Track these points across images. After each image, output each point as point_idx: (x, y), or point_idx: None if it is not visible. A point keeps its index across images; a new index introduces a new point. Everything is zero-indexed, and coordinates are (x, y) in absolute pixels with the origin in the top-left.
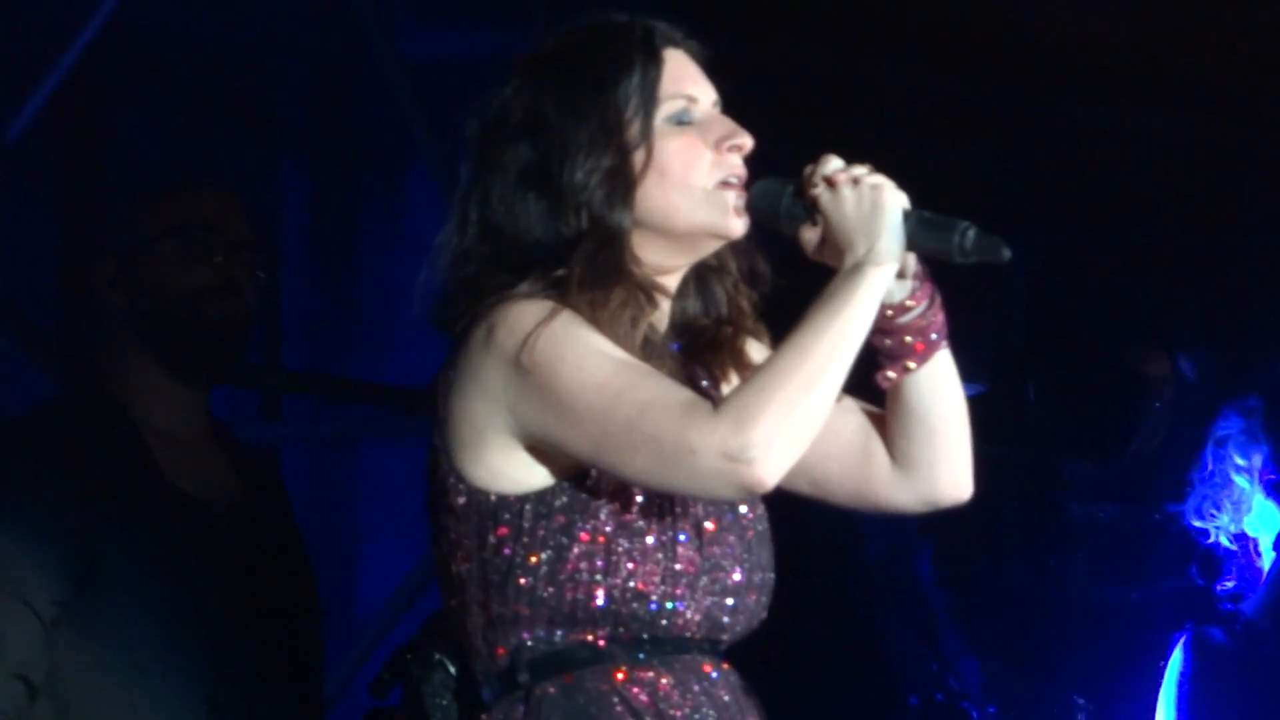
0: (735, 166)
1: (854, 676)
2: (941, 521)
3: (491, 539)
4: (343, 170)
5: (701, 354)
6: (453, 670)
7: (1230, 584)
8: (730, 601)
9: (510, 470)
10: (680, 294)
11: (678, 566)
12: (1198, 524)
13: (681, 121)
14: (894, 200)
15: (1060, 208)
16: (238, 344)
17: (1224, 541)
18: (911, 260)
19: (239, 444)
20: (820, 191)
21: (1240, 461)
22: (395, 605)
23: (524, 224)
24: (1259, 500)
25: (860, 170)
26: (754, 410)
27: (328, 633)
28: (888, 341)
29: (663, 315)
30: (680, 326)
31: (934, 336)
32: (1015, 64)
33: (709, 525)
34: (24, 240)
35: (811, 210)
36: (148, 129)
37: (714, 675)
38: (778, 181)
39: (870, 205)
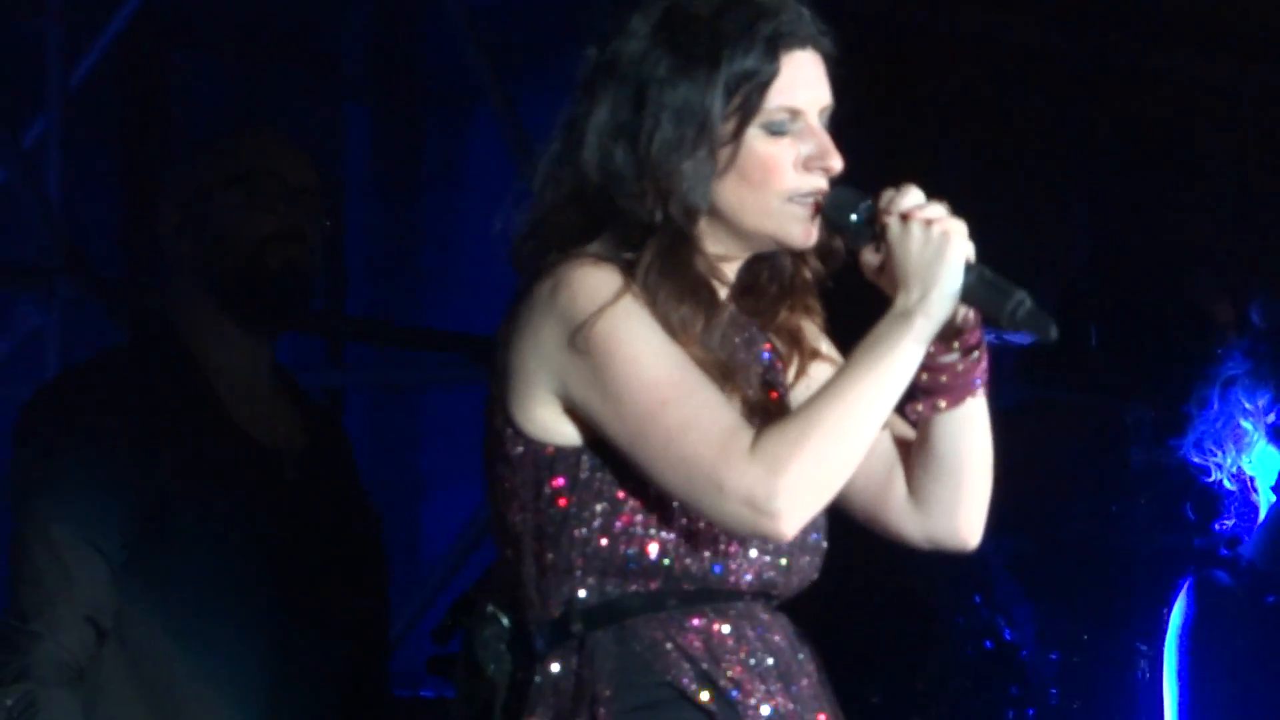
0: (816, 185)
1: (903, 624)
2: (999, 466)
3: (547, 490)
4: (405, 114)
5: (757, 315)
6: (505, 622)
7: (1230, 523)
8: (783, 561)
9: (560, 426)
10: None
11: None
12: (1196, 460)
13: (776, 131)
14: (958, 252)
15: (1126, 153)
16: (302, 292)
17: (1224, 481)
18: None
19: (302, 391)
20: (892, 222)
21: (1247, 405)
22: (458, 551)
23: (607, 175)
24: (1261, 444)
25: (936, 211)
26: (785, 461)
27: (391, 579)
28: (924, 375)
29: (726, 284)
30: (742, 285)
31: (973, 382)
32: (1084, 9)
33: None
34: (89, 186)
35: (879, 237)
36: (210, 74)
37: (768, 621)
38: (855, 194)
39: (935, 251)
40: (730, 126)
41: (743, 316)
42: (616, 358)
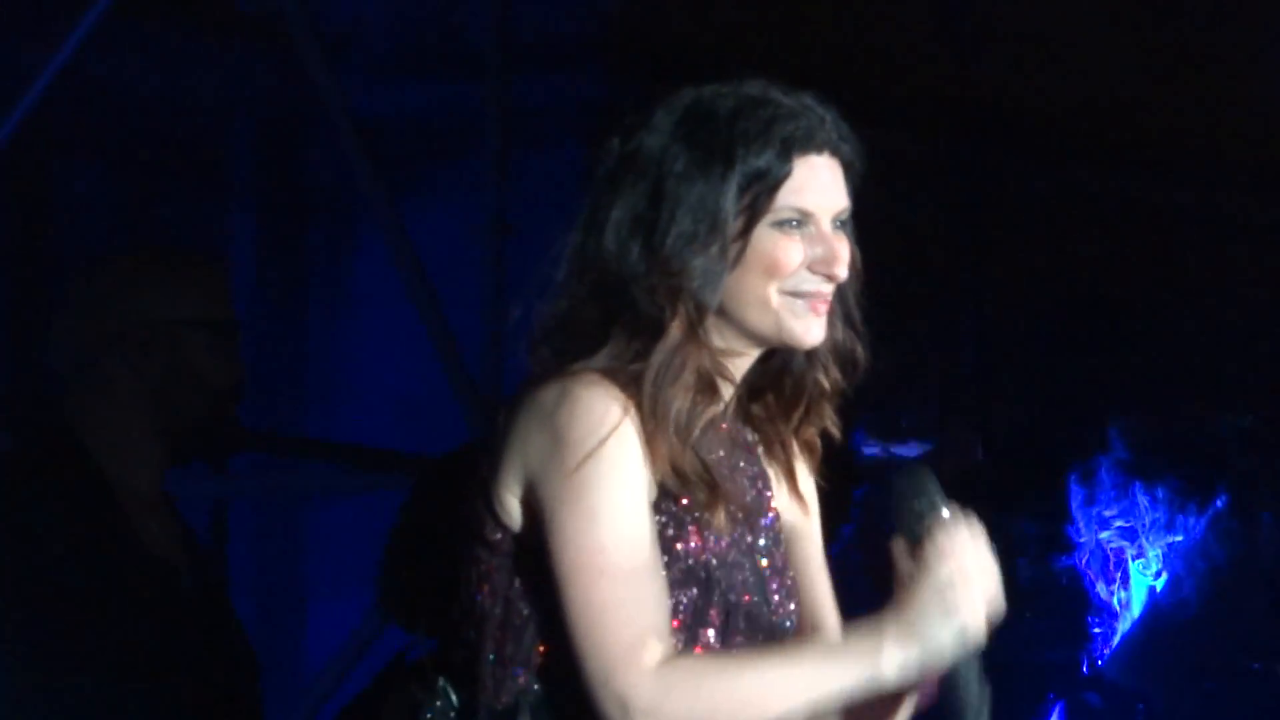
0: (816, 285)
1: None
2: (889, 580)
3: (518, 583)
4: (291, 223)
5: (765, 424)
6: (454, 699)
7: (1096, 635)
8: None
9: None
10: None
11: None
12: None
13: (784, 229)
14: (957, 632)
15: (1010, 267)
16: (230, 444)
17: (1104, 596)
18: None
19: (178, 508)
20: (929, 556)
21: (1178, 531)
22: (342, 661)
23: (625, 271)
24: (1166, 566)
25: (977, 588)
26: (676, 700)
27: (274, 691)
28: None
29: (731, 382)
30: (755, 388)
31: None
32: (969, 123)
33: (737, 618)
34: None
35: (915, 554)
36: (94, 180)
37: None
38: (931, 498)
39: (941, 615)
40: (741, 223)
41: (744, 432)
42: (580, 503)
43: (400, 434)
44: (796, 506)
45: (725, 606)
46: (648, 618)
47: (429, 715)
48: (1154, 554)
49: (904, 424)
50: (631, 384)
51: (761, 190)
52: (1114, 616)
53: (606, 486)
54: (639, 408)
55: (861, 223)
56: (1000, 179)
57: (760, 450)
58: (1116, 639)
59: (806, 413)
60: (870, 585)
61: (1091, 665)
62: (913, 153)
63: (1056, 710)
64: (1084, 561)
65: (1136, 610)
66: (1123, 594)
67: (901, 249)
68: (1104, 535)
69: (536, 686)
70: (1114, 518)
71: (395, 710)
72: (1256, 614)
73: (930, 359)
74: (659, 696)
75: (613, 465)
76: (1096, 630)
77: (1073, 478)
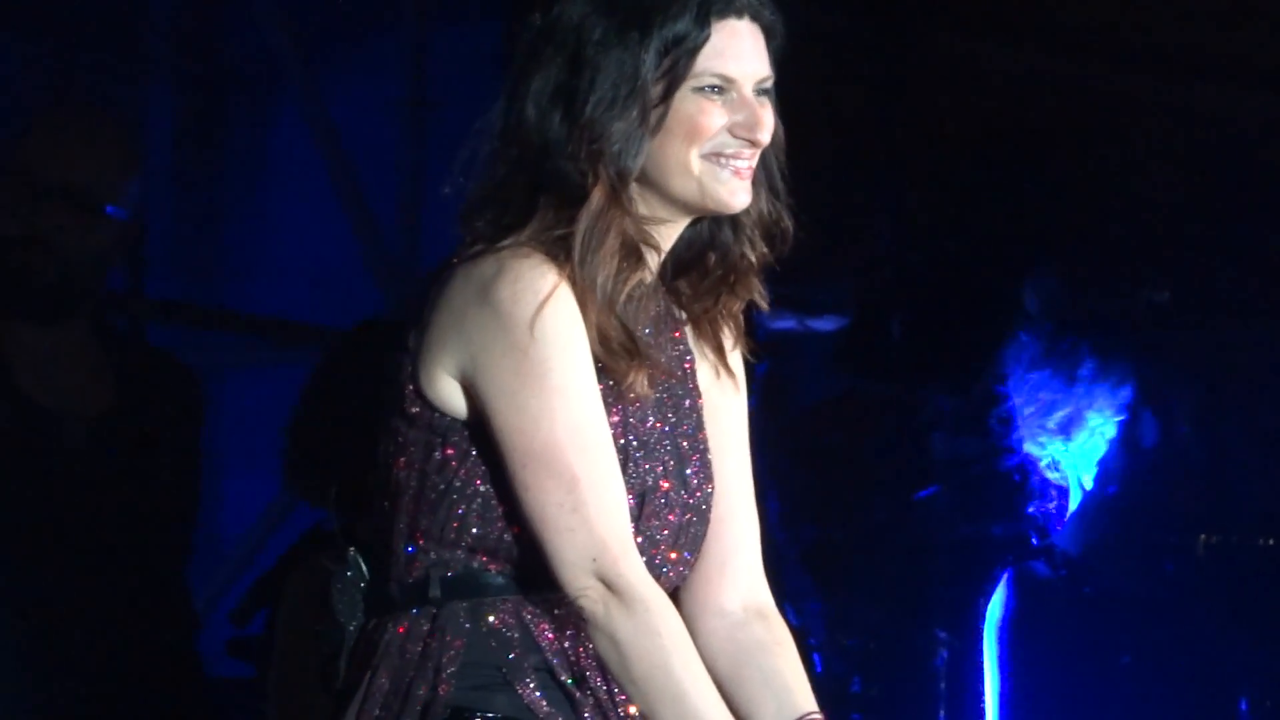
0: (737, 148)
1: None
2: (800, 455)
3: (437, 455)
4: (208, 96)
5: (693, 300)
6: (365, 569)
7: (1051, 507)
8: (656, 562)
9: (458, 400)
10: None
11: None
12: (1017, 447)
13: (705, 94)
14: None
15: (928, 141)
16: (41, 297)
17: (1045, 469)
18: None
19: (143, 354)
20: None
21: (1099, 404)
22: (257, 534)
23: (548, 140)
24: (1089, 438)
25: None
26: (648, 622)
27: (191, 562)
28: None
29: (657, 250)
30: (683, 262)
31: None
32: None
33: (654, 501)
34: None
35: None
36: (9, 53)
37: None
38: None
39: None
40: (661, 89)
41: (672, 311)
42: (545, 381)
43: (316, 307)
44: (723, 384)
45: (641, 490)
46: (625, 506)
47: (339, 585)
48: (1086, 423)
49: (818, 299)
50: (563, 254)
51: (680, 55)
52: (1062, 492)
53: (567, 363)
54: (572, 279)
55: (780, 98)
56: (917, 55)
57: (688, 329)
58: (1062, 514)
59: (734, 286)
60: (774, 459)
61: (1041, 536)
62: (828, 28)
63: (1004, 579)
64: (1014, 439)
65: (1073, 483)
66: (1054, 474)
67: (817, 125)
68: (1028, 410)
69: (448, 562)
70: (1036, 390)
71: (306, 580)
72: (1175, 488)
73: (847, 234)
74: (650, 599)
75: (566, 340)
76: (1031, 508)
77: (992, 355)
